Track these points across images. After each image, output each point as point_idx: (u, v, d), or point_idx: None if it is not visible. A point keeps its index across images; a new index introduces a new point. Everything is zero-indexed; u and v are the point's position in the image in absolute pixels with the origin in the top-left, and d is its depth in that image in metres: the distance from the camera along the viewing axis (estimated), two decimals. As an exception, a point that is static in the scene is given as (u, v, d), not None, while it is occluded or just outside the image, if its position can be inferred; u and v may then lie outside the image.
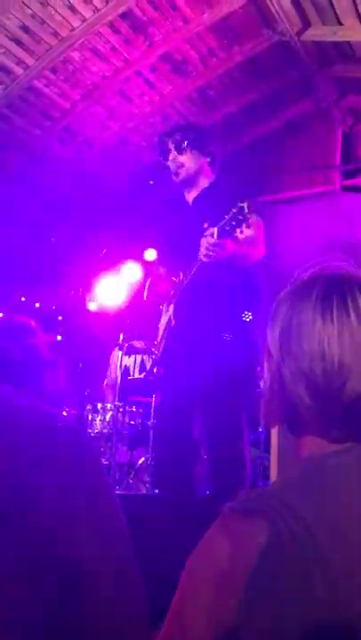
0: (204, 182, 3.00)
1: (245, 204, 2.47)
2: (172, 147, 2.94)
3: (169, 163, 2.93)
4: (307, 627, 0.71)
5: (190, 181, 2.98)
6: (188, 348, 2.75)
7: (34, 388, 1.10)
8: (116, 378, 4.04)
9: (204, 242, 2.59)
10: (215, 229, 2.54)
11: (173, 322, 2.80)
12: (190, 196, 3.04)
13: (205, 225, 2.67)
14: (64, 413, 3.84)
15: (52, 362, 1.13)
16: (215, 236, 2.53)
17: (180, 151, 2.94)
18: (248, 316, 2.76)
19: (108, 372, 4.34)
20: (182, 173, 2.94)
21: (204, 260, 2.61)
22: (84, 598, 0.87)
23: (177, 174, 2.93)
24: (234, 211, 2.49)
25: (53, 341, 4.00)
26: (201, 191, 3.00)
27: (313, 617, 0.71)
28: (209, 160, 2.98)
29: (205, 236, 2.58)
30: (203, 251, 2.59)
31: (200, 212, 2.87)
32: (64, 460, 0.90)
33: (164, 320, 2.94)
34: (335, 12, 4.35)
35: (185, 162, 2.94)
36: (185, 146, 2.92)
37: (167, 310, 2.92)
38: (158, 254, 3.84)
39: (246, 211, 2.47)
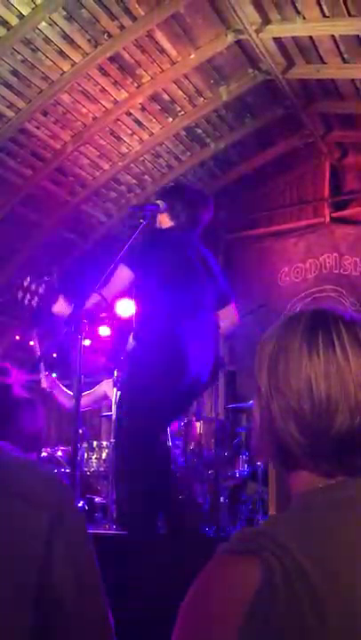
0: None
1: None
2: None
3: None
4: None
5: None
6: None
7: (10, 428, 1.09)
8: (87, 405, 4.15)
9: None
10: None
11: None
12: None
13: None
14: (44, 454, 3.81)
15: (29, 401, 1.13)
16: None
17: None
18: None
19: (89, 395, 4.31)
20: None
21: None
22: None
23: None
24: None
25: (32, 380, 4.01)
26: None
27: None
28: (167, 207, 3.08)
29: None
30: None
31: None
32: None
33: None
34: (318, 52, 4.49)
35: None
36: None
37: None
38: None
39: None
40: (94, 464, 3.85)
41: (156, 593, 2.07)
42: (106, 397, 4.25)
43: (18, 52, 4.19)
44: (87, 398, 4.26)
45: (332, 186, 5.97)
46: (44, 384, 4.16)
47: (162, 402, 2.76)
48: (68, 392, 4.10)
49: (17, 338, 5.92)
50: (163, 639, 0.81)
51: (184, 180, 5.88)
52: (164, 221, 3.08)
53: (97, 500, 3.89)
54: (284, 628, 0.71)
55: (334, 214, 5.87)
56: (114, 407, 3.79)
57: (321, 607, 0.71)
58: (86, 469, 3.83)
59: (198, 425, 3.90)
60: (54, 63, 4.34)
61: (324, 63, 4.59)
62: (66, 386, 4.21)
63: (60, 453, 3.88)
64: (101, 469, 3.82)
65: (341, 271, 5.66)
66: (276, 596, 0.72)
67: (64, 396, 4.15)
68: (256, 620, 0.72)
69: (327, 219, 5.88)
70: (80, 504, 3.65)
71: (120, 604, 1.06)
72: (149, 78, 4.68)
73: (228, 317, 3.11)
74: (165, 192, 3.27)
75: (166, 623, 0.87)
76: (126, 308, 5.43)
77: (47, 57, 4.28)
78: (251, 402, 3.44)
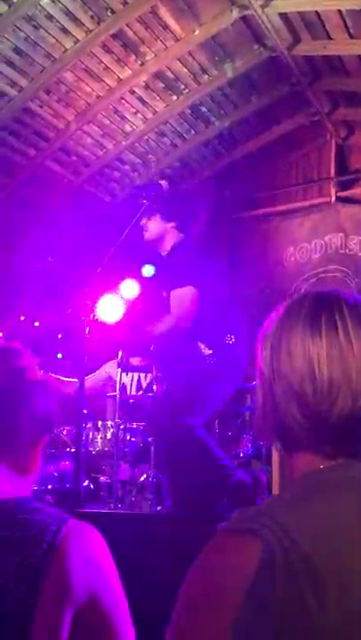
0: (168, 245, 3.19)
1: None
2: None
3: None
4: None
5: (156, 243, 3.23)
6: None
7: (24, 413, 1.10)
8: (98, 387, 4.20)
9: None
10: None
11: None
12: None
13: (164, 294, 2.99)
14: (64, 432, 3.83)
15: (42, 383, 1.13)
16: None
17: (148, 216, 3.19)
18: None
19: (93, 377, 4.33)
20: (146, 236, 3.21)
21: None
22: None
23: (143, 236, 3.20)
24: None
25: (48, 361, 4.03)
26: (165, 254, 3.21)
27: (310, 631, 0.71)
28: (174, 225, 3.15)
29: None
30: None
31: (159, 276, 3.04)
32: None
33: None
34: (324, 27, 4.41)
35: (149, 226, 3.20)
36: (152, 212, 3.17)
37: None
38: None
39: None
40: (99, 443, 3.87)
41: (157, 571, 2.09)
42: (110, 379, 4.26)
43: (20, 29, 4.13)
44: (91, 380, 4.28)
45: (337, 165, 5.90)
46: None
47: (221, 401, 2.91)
48: (70, 380, 4.11)
49: (21, 319, 5.92)
50: (165, 620, 0.82)
51: (189, 159, 5.83)
52: (176, 236, 3.15)
53: (102, 479, 3.93)
54: (284, 607, 0.72)
55: (340, 194, 5.82)
56: (118, 387, 3.81)
57: (320, 587, 0.72)
58: (91, 449, 3.85)
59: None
60: (57, 40, 4.28)
61: (331, 39, 4.52)
62: (70, 366, 4.22)
63: (64, 433, 3.90)
64: (106, 449, 3.85)
65: (347, 251, 5.63)
66: (276, 575, 0.73)
67: (65, 386, 4.16)
68: (256, 600, 0.72)
69: (333, 198, 5.83)
70: (85, 483, 3.68)
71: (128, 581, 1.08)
72: (153, 55, 4.62)
73: None
74: (168, 205, 3.29)
75: (168, 602, 0.88)
76: (131, 288, 5.43)
77: (50, 34, 4.22)
78: (254, 383, 3.46)
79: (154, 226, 3.19)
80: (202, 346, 2.94)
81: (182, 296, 2.89)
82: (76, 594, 0.97)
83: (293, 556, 0.73)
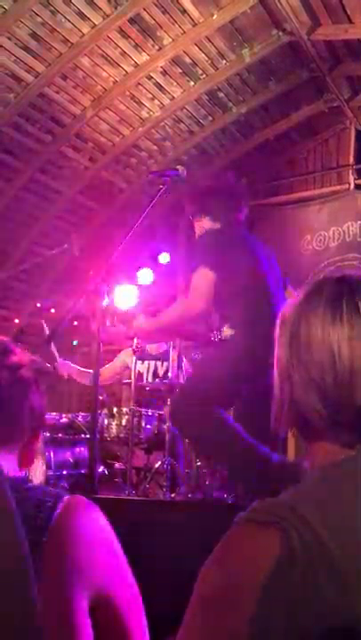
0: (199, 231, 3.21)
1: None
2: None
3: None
4: (321, 630, 0.70)
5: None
6: None
7: (22, 410, 1.08)
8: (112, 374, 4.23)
9: None
10: None
11: None
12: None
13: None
14: (65, 420, 3.84)
15: (35, 380, 1.11)
16: None
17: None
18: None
19: (109, 367, 4.34)
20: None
21: None
22: None
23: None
24: None
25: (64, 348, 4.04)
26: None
27: (327, 629, 0.69)
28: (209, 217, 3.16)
29: None
30: None
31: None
32: None
33: None
34: (345, 10, 4.33)
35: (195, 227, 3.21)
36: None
37: None
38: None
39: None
40: (114, 430, 3.88)
41: (171, 558, 2.10)
42: (126, 367, 4.27)
43: (37, 14, 4.11)
44: (108, 370, 4.29)
45: (357, 152, 5.83)
46: (61, 372, 4.17)
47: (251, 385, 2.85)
48: (87, 370, 4.12)
49: (38, 305, 5.93)
50: (181, 608, 0.82)
51: (206, 146, 5.78)
52: (207, 225, 3.13)
53: (117, 465, 3.94)
54: (302, 599, 0.71)
55: (359, 181, 5.75)
56: (133, 374, 3.81)
57: (340, 579, 0.71)
58: (106, 435, 3.86)
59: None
60: (74, 25, 4.26)
61: (352, 23, 4.44)
62: (84, 354, 4.23)
63: (80, 419, 3.91)
64: (121, 435, 3.85)
65: (365, 239, 5.57)
66: (295, 567, 0.71)
67: (83, 375, 4.17)
68: (274, 591, 0.71)
69: (352, 185, 5.76)
70: (100, 469, 3.70)
71: (137, 570, 1.07)
72: (171, 40, 4.57)
73: None
74: (199, 197, 3.28)
75: (184, 590, 0.87)
76: (147, 277, 5.42)
77: (67, 19, 4.19)
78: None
79: (199, 225, 3.19)
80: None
81: (200, 278, 2.88)
82: (83, 575, 0.95)
83: (312, 547, 0.72)
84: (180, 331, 3.30)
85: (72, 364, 4.22)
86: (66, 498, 1.00)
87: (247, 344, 2.78)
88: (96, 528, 1.01)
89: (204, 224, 3.15)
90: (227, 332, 2.91)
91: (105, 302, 2.93)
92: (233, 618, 0.72)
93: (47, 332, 4.00)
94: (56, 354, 4.13)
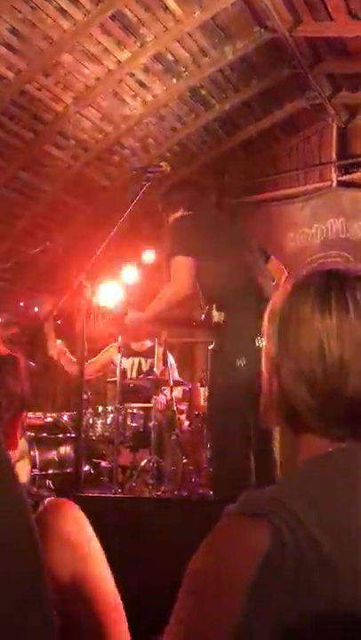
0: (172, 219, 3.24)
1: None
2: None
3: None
4: (311, 628, 0.70)
5: None
6: None
7: None
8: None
9: None
10: None
11: None
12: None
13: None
14: (49, 419, 3.83)
15: (11, 358, 1.10)
16: None
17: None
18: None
19: (94, 362, 4.33)
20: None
21: None
22: None
23: None
24: None
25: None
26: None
27: (317, 618, 0.69)
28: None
29: None
30: None
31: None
32: None
33: None
34: (326, 8, 4.35)
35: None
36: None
37: None
38: None
39: None
40: (100, 429, 3.87)
41: (158, 555, 2.09)
42: (111, 363, 4.26)
43: (17, 10, 4.07)
44: (93, 366, 4.27)
45: (339, 149, 5.86)
46: (52, 351, 4.16)
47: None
48: (74, 359, 4.10)
49: (21, 304, 5.90)
50: (168, 604, 0.81)
51: (188, 144, 5.78)
52: (179, 214, 3.16)
53: (102, 464, 3.93)
54: (292, 593, 0.70)
55: (341, 178, 5.78)
56: (119, 372, 3.80)
57: (330, 574, 0.71)
58: (92, 434, 3.85)
59: (203, 390, 3.91)
60: (55, 21, 4.22)
61: (333, 20, 4.45)
62: (71, 353, 4.21)
63: (65, 418, 3.90)
64: (106, 434, 3.85)
65: (348, 236, 5.60)
66: (286, 563, 0.71)
67: (71, 364, 4.16)
68: (264, 582, 0.71)
69: (334, 183, 5.79)
70: (86, 468, 3.69)
71: (124, 568, 1.07)
72: (153, 37, 4.55)
73: (276, 271, 3.28)
74: (169, 191, 3.32)
75: (172, 586, 0.87)
76: (131, 274, 5.41)
77: (47, 15, 4.16)
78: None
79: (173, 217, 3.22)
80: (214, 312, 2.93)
81: (176, 266, 2.89)
82: (58, 577, 0.94)
83: (303, 542, 0.71)
84: (169, 319, 3.30)
85: (64, 348, 4.20)
86: (47, 500, 0.99)
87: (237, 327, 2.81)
88: (76, 530, 1.00)
89: (176, 215, 3.16)
90: (216, 315, 2.92)
91: (89, 300, 2.92)
92: (223, 609, 0.72)
93: (42, 312, 4.00)
94: (52, 333, 4.12)
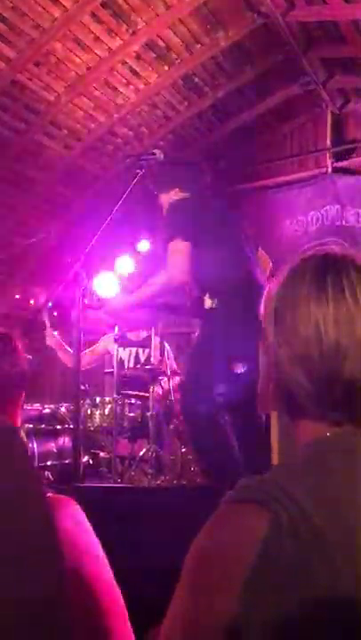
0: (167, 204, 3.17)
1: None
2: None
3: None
4: (309, 615, 0.69)
5: None
6: None
7: None
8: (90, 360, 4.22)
9: None
10: None
11: None
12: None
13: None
14: (47, 410, 3.82)
15: (4, 335, 1.09)
16: None
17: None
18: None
19: (90, 352, 4.32)
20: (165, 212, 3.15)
21: None
22: None
23: None
24: None
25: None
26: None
27: (316, 606, 0.69)
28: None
29: None
30: None
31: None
32: None
33: None
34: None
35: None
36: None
37: None
38: None
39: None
40: (98, 419, 3.87)
41: (158, 544, 2.10)
42: (107, 353, 4.25)
43: (7, -1, 4.03)
44: (89, 356, 4.26)
45: (333, 135, 5.83)
46: (49, 341, 4.15)
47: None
48: (70, 350, 4.09)
49: (17, 297, 5.88)
50: (168, 588, 0.81)
51: (182, 132, 5.74)
52: (176, 196, 3.11)
53: (101, 454, 3.93)
54: (291, 577, 0.70)
55: (336, 164, 5.75)
56: (115, 363, 3.79)
57: (329, 558, 0.70)
58: (90, 425, 3.85)
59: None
60: (45, 9, 4.17)
61: (326, 3, 4.41)
62: (67, 343, 4.20)
63: (63, 410, 3.89)
64: (105, 424, 3.84)
65: (343, 223, 5.58)
66: (284, 545, 0.71)
67: (67, 354, 4.15)
68: (263, 569, 0.71)
69: (329, 169, 5.77)
70: (84, 459, 3.68)
71: (124, 557, 1.06)
72: (144, 24, 4.51)
73: (264, 262, 3.26)
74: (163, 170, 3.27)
75: (170, 573, 0.87)
76: (126, 264, 5.39)
77: (37, 2, 4.11)
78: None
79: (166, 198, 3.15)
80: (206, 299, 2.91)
81: (174, 250, 2.85)
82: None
83: (302, 526, 0.71)
84: (160, 304, 3.28)
85: (60, 338, 4.19)
86: (47, 497, 0.98)
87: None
88: (75, 527, 1.00)
89: (171, 196, 3.12)
90: (208, 302, 2.91)
91: (84, 290, 2.90)
92: (222, 594, 0.72)
93: (38, 303, 3.99)
94: (47, 322, 4.11)
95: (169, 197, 3.11)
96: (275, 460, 2.40)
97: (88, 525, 1.01)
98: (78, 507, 1.01)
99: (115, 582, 1.02)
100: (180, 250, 2.85)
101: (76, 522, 1.00)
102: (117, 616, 1.00)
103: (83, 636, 0.93)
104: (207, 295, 2.91)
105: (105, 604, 0.98)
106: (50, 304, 3.76)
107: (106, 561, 1.02)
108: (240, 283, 2.86)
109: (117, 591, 1.01)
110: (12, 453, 0.85)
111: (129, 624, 1.02)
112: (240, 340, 2.68)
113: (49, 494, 0.98)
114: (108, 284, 4.74)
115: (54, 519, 0.91)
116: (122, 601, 1.02)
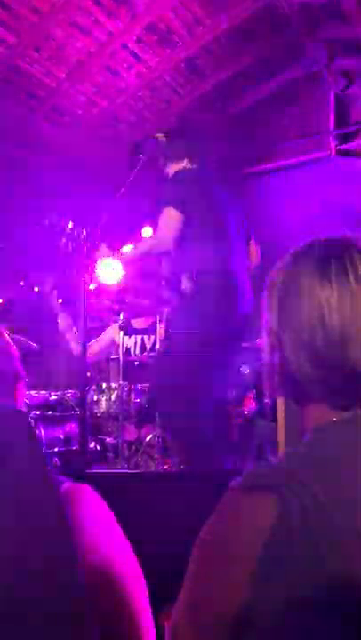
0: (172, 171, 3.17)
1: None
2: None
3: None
4: (321, 598, 0.70)
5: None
6: None
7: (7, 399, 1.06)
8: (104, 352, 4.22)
9: None
10: None
11: None
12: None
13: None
14: (54, 397, 3.84)
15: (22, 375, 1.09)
16: None
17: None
18: None
19: (97, 342, 4.33)
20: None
21: None
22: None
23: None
24: None
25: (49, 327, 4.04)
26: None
27: (326, 589, 0.70)
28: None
29: None
30: None
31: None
32: None
33: None
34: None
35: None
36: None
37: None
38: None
39: None
40: (104, 405, 3.89)
41: (166, 529, 2.11)
42: (114, 343, 4.25)
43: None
44: (95, 346, 4.27)
45: (337, 117, 5.77)
46: (61, 325, 4.16)
47: (220, 338, 2.83)
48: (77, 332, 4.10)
49: (21, 284, 5.87)
50: (176, 577, 0.82)
51: (185, 115, 5.70)
52: (182, 165, 3.08)
53: (108, 440, 3.95)
54: (302, 561, 0.71)
55: (340, 147, 5.70)
56: (121, 349, 3.80)
57: (341, 551, 0.71)
58: (96, 411, 3.87)
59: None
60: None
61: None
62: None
63: (69, 396, 3.91)
64: (111, 410, 3.86)
65: (348, 205, 5.54)
66: (293, 531, 0.71)
67: (75, 341, 4.15)
68: (273, 555, 0.71)
69: (332, 152, 5.72)
70: (91, 445, 3.71)
71: (139, 540, 1.07)
72: (145, 7, 4.46)
73: (252, 255, 3.18)
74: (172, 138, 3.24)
75: (179, 558, 0.87)
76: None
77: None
78: (257, 340, 3.44)
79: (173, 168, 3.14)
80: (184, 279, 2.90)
81: (168, 216, 2.85)
82: (85, 566, 0.93)
83: (309, 508, 0.72)
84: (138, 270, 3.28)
85: (73, 325, 4.20)
86: (66, 485, 0.97)
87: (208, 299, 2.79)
88: (99, 519, 0.99)
89: (179, 165, 3.10)
90: (185, 283, 2.91)
91: (89, 277, 2.90)
92: (232, 580, 0.73)
93: (49, 285, 4.00)
94: (58, 304, 4.13)
95: (177, 166, 3.08)
96: (281, 446, 2.41)
97: (107, 511, 1.01)
98: (97, 494, 1.01)
99: (139, 567, 1.02)
100: (172, 216, 2.84)
101: (97, 509, 0.99)
102: (141, 604, 1.00)
103: (108, 626, 0.93)
104: (185, 276, 2.90)
105: (131, 595, 0.98)
106: (54, 291, 3.77)
107: (127, 543, 1.02)
108: (218, 272, 2.85)
109: (142, 577, 1.02)
110: (24, 437, 0.85)
111: (150, 612, 1.02)
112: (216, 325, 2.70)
113: (66, 484, 0.97)
114: (111, 271, 4.73)
115: (73, 508, 0.91)
116: (143, 580, 1.02)
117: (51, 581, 0.79)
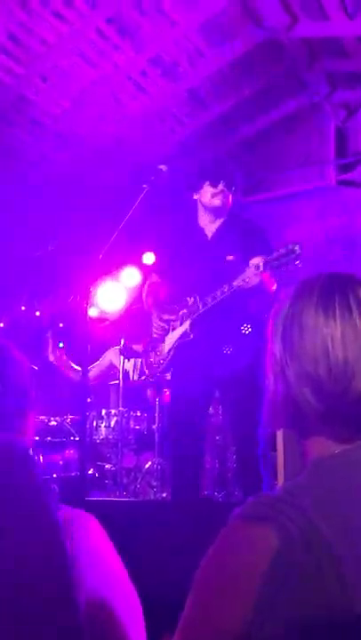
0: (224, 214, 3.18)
1: (297, 247, 2.70)
2: (222, 184, 3.10)
3: (213, 193, 3.09)
4: (321, 627, 0.70)
5: (220, 214, 3.14)
6: (206, 357, 2.96)
7: (8, 387, 1.06)
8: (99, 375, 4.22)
9: (249, 271, 2.79)
10: (261, 262, 2.76)
11: (192, 335, 2.98)
12: (210, 224, 3.17)
13: (230, 257, 2.97)
14: (53, 423, 3.83)
15: (17, 358, 1.09)
16: (261, 267, 2.77)
17: (230, 190, 3.15)
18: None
19: (96, 367, 4.33)
20: (223, 209, 3.13)
21: (240, 285, 2.81)
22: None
23: (218, 208, 3.11)
24: (283, 251, 2.74)
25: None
26: (223, 223, 3.17)
27: (327, 618, 0.69)
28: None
29: (250, 267, 2.79)
30: (242, 278, 2.81)
31: (221, 243, 3.09)
32: None
33: (176, 333, 3.03)
34: (322, 8, 4.35)
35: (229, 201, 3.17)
36: (234, 189, 3.18)
37: (180, 325, 3.01)
38: (158, 260, 3.95)
39: (298, 252, 2.68)
40: (103, 432, 3.87)
41: (164, 557, 2.09)
42: (112, 367, 4.26)
43: (13, 15, 4.08)
44: (95, 370, 4.27)
45: (337, 147, 5.86)
46: (52, 358, 4.16)
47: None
48: (76, 367, 4.11)
49: (22, 309, 5.90)
50: (175, 605, 0.81)
51: (188, 144, 5.78)
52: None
53: (107, 467, 3.93)
54: (303, 591, 0.71)
55: (340, 177, 5.77)
56: (121, 375, 3.80)
57: (340, 573, 0.71)
58: (96, 437, 3.85)
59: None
60: (51, 25, 4.22)
61: (329, 19, 4.46)
62: (73, 356, 4.21)
63: (69, 422, 3.89)
64: (110, 437, 3.85)
65: (350, 234, 5.60)
66: (295, 559, 0.71)
67: (71, 370, 4.16)
68: (274, 586, 0.71)
69: (333, 181, 5.79)
70: (90, 471, 3.69)
71: (138, 568, 1.07)
72: (149, 40, 4.55)
73: None
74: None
75: (178, 586, 0.87)
76: (132, 275, 5.41)
77: (43, 19, 4.16)
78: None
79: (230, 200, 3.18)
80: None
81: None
82: (81, 592, 0.93)
83: (311, 535, 0.72)
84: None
85: (64, 355, 4.21)
86: (63, 511, 0.97)
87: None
88: (96, 546, 0.99)
89: (205, 190, 3.13)
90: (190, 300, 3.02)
91: (90, 303, 2.92)
92: (233, 610, 0.72)
93: (44, 316, 4.02)
94: (50, 340, 4.14)
95: (205, 192, 3.11)
96: (280, 475, 2.40)
97: (106, 539, 1.01)
98: (96, 521, 1.00)
99: (137, 596, 1.01)
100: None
101: (96, 537, 0.99)
102: (137, 633, 0.99)
103: None
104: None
105: (127, 624, 0.97)
106: (55, 318, 3.78)
107: (125, 571, 1.01)
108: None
109: (139, 607, 1.01)
110: (26, 473, 0.85)
111: (143, 628, 1.01)
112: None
113: (65, 511, 0.97)
114: (112, 296, 4.75)
115: (72, 535, 0.91)
116: (142, 619, 1.01)
117: (48, 609, 0.78)
